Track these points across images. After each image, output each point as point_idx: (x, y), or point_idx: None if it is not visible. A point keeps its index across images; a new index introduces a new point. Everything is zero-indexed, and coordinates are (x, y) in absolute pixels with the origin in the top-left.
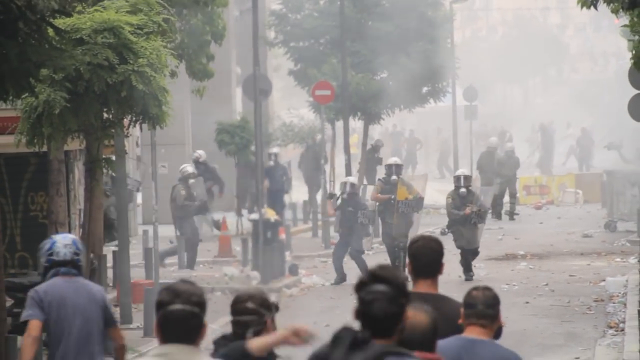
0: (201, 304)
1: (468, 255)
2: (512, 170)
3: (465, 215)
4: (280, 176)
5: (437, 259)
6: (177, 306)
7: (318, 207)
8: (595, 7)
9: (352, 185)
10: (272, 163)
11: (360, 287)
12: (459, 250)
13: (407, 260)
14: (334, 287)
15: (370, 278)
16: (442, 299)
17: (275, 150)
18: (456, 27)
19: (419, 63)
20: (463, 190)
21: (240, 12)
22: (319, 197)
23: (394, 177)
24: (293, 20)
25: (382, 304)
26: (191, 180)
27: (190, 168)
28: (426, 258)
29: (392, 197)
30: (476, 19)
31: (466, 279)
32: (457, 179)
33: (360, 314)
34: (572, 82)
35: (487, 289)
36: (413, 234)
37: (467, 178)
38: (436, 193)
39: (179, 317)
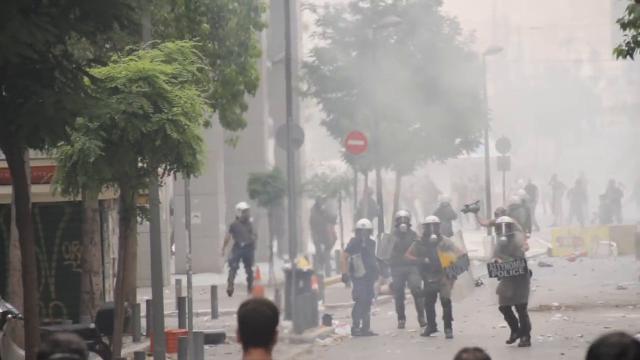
0: (80, 351)
1: (516, 311)
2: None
3: (488, 264)
4: (248, 232)
5: (269, 325)
6: (57, 355)
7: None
8: (632, 57)
9: (368, 231)
10: (251, 219)
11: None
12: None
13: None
14: (367, 338)
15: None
16: None
17: (243, 205)
18: (488, 78)
19: (452, 114)
20: (503, 239)
21: (272, 63)
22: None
23: (433, 236)
24: (325, 72)
25: None
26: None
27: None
28: (256, 324)
29: (426, 259)
30: (508, 70)
31: (520, 344)
32: (498, 226)
33: None
34: (605, 134)
35: (477, 350)
36: (468, 291)
37: (509, 226)
38: (470, 244)
39: None
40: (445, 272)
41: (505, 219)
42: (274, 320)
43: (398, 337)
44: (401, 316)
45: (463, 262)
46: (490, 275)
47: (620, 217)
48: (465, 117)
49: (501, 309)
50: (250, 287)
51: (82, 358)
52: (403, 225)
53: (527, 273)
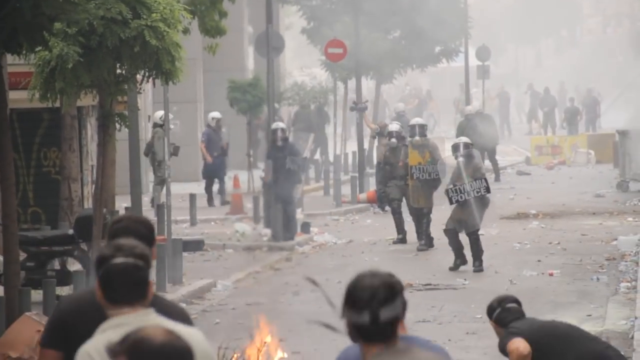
0: (144, 257)
1: (467, 236)
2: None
3: (446, 190)
4: (220, 141)
5: (144, 244)
6: (120, 259)
7: (330, 166)
8: None
9: (283, 130)
10: (224, 130)
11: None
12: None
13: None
14: (345, 245)
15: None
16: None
17: (217, 114)
18: None
19: (432, 22)
20: (461, 159)
21: None
22: (331, 156)
23: (417, 138)
24: None
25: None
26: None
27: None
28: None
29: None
30: None
31: (474, 270)
32: (455, 147)
33: None
34: (584, 43)
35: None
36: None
37: (467, 145)
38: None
39: (121, 270)
40: (410, 170)
41: (463, 139)
42: (149, 240)
43: (376, 244)
44: (400, 231)
45: (433, 170)
46: (451, 202)
47: (596, 125)
48: (445, 26)
49: (446, 231)
50: (223, 198)
51: (146, 265)
52: (393, 140)
53: (487, 193)
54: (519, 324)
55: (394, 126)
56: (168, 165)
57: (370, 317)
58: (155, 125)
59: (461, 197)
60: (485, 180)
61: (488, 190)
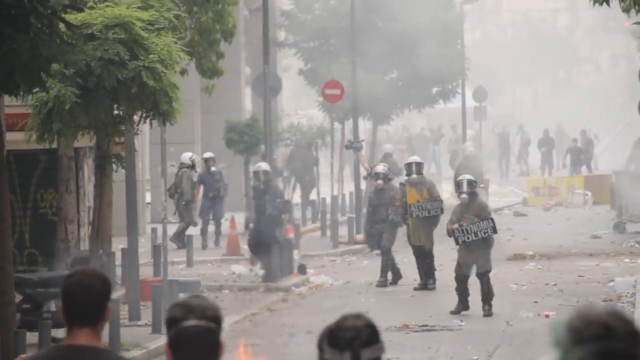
0: (217, 319)
1: (478, 279)
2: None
3: (452, 230)
4: (217, 181)
5: (99, 301)
6: (192, 322)
7: (327, 207)
8: (608, 4)
9: (266, 172)
10: (213, 169)
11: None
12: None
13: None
14: (342, 286)
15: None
16: (104, 354)
17: (209, 154)
18: (466, 28)
19: (429, 64)
20: (464, 196)
21: (249, 12)
22: (328, 196)
23: (413, 175)
24: (303, 21)
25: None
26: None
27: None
28: (82, 299)
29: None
30: (486, 20)
31: (484, 314)
32: (458, 184)
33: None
34: (581, 84)
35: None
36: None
37: (471, 184)
38: (449, 195)
39: (194, 334)
40: (409, 209)
41: (466, 176)
42: (105, 295)
43: (373, 285)
44: (394, 272)
45: (432, 206)
46: (457, 243)
47: (590, 166)
48: (443, 67)
49: (456, 277)
50: (217, 240)
51: (218, 327)
52: (380, 181)
53: (494, 234)
54: None
55: (379, 167)
56: (164, 207)
57: (352, 357)
58: (182, 165)
59: (468, 237)
60: (492, 220)
61: (495, 230)
